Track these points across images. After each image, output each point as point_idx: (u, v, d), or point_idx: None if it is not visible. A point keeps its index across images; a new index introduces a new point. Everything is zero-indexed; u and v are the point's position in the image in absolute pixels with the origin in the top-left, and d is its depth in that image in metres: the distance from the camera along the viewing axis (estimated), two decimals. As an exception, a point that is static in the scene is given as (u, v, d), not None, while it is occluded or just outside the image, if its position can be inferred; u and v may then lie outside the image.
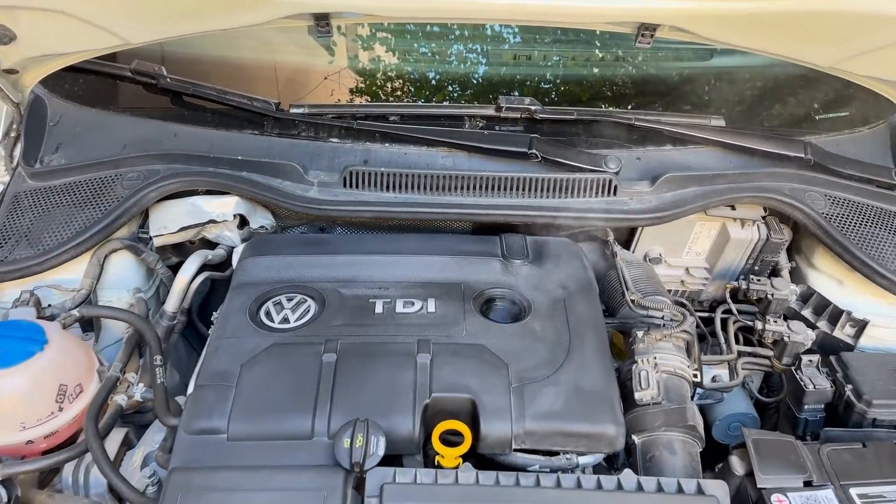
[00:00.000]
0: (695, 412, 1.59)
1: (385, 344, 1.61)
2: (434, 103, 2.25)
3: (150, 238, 1.94)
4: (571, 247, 1.92)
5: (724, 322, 2.02)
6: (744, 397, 2.07)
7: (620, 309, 1.85)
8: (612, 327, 1.80)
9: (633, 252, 2.09)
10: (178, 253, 2.11)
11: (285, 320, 1.68)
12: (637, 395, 1.61)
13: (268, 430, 1.44)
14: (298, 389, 1.50)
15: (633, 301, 1.77)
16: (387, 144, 1.99)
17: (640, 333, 1.69)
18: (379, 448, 1.36)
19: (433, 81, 2.40)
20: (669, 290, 2.10)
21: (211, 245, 2.03)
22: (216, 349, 1.61)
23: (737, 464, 1.57)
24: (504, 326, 1.67)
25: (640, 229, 2.03)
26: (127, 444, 1.75)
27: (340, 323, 1.66)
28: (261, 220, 1.96)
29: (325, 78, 2.38)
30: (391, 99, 2.33)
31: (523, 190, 1.92)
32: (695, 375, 1.72)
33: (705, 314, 2.10)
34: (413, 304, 1.72)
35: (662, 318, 1.73)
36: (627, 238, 2.09)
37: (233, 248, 1.97)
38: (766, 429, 2.14)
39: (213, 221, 1.90)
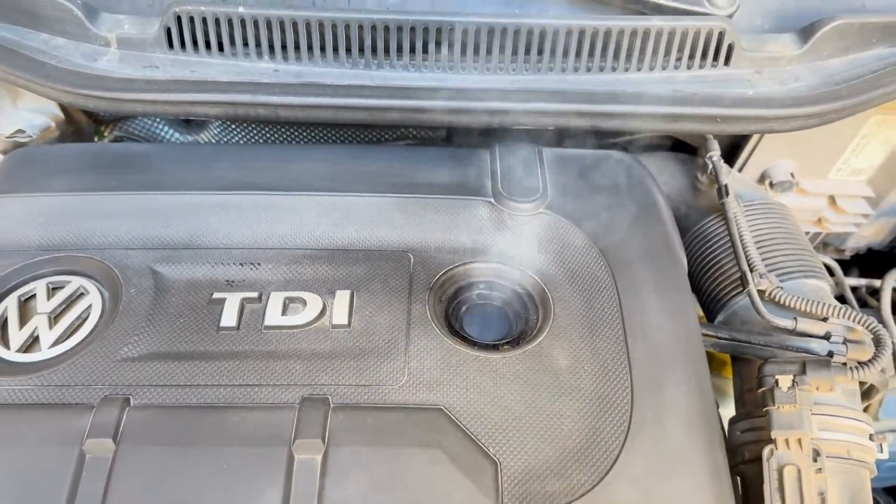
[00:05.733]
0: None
1: (229, 412, 0.74)
2: None
3: None
4: (631, 170, 0.98)
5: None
6: (913, 424, 1.21)
7: (730, 304, 0.93)
8: (716, 348, 0.88)
9: (742, 170, 1.13)
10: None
11: (34, 342, 0.82)
12: (776, 524, 0.74)
13: None
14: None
15: (763, 294, 0.85)
16: (267, -43, 0.99)
17: (783, 382, 0.78)
18: None
19: None
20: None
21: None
22: None
23: None
24: (491, 358, 0.79)
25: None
26: None
27: (143, 351, 0.80)
28: (25, 115, 1.01)
29: None
30: None
31: (540, 55, 0.93)
32: (880, 450, 0.84)
33: (857, 280, 1.19)
34: (304, 304, 0.83)
35: (827, 338, 0.82)
36: (733, 142, 1.12)
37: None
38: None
39: (-73, 121, 0.96)
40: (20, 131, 0.99)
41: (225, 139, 1.22)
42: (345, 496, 0.68)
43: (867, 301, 1.22)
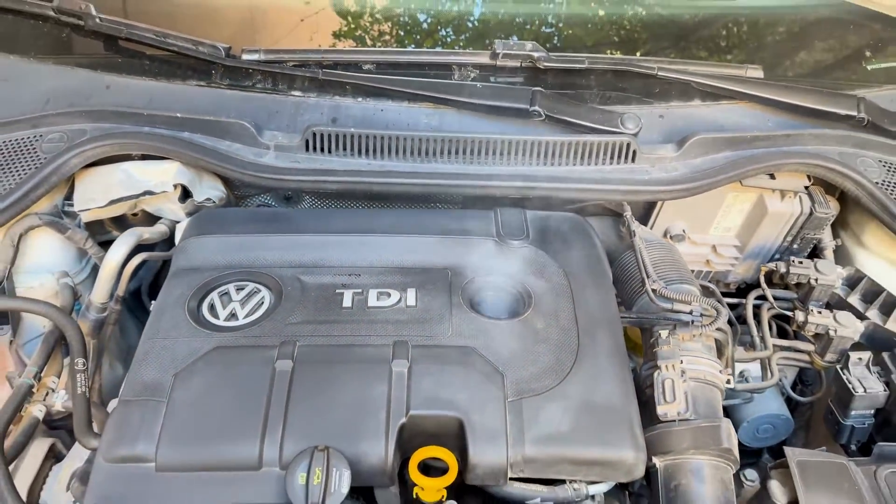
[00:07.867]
0: (730, 431, 1.31)
1: (354, 347, 1.32)
2: (416, 49, 1.89)
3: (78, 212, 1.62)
4: (579, 223, 1.61)
5: (756, 310, 1.73)
6: (776, 396, 1.80)
7: (638, 300, 1.55)
8: (629, 323, 1.49)
9: (652, 228, 1.78)
10: (119, 227, 1.80)
11: (232, 316, 1.39)
12: (660, 410, 1.33)
13: (205, 459, 1.18)
14: (244, 406, 1.23)
15: (654, 291, 1.46)
16: (360, 99, 1.66)
17: (663, 333, 1.39)
18: (342, 485, 1.11)
19: (424, 24, 2.04)
20: (692, 271, 1.79)
21: (154, 219, 1.71)
22: (146, 354, 1.32)
23: (778, 491, 1.30)
24: (499, 323, 1.38)
25: (661, 202, 1.72)
26: (54, 457, 1.48)
27: (300, 320, 1.37)
28: (208, 190, 1.63)
29: (302, 20, 2.03)
30: (370, 45, 1.97)
31: (523, 156, 1.59)
32: (727, 381, 1.43)
33: (734, 300, 1.81)
34: (389, 295, 1.42)
35: (691, 312, 1.43)
36: (646, 211, 1.77)
37: (176, 222, 1.66)
38: (798, 429, 1.89)
39: (149, 193, 1.58)
40: (209, 199, 1.61)
41: (314, 207, 1.84)
42: (422, 389, 1.25)
43: (744, 317, 1.83)
